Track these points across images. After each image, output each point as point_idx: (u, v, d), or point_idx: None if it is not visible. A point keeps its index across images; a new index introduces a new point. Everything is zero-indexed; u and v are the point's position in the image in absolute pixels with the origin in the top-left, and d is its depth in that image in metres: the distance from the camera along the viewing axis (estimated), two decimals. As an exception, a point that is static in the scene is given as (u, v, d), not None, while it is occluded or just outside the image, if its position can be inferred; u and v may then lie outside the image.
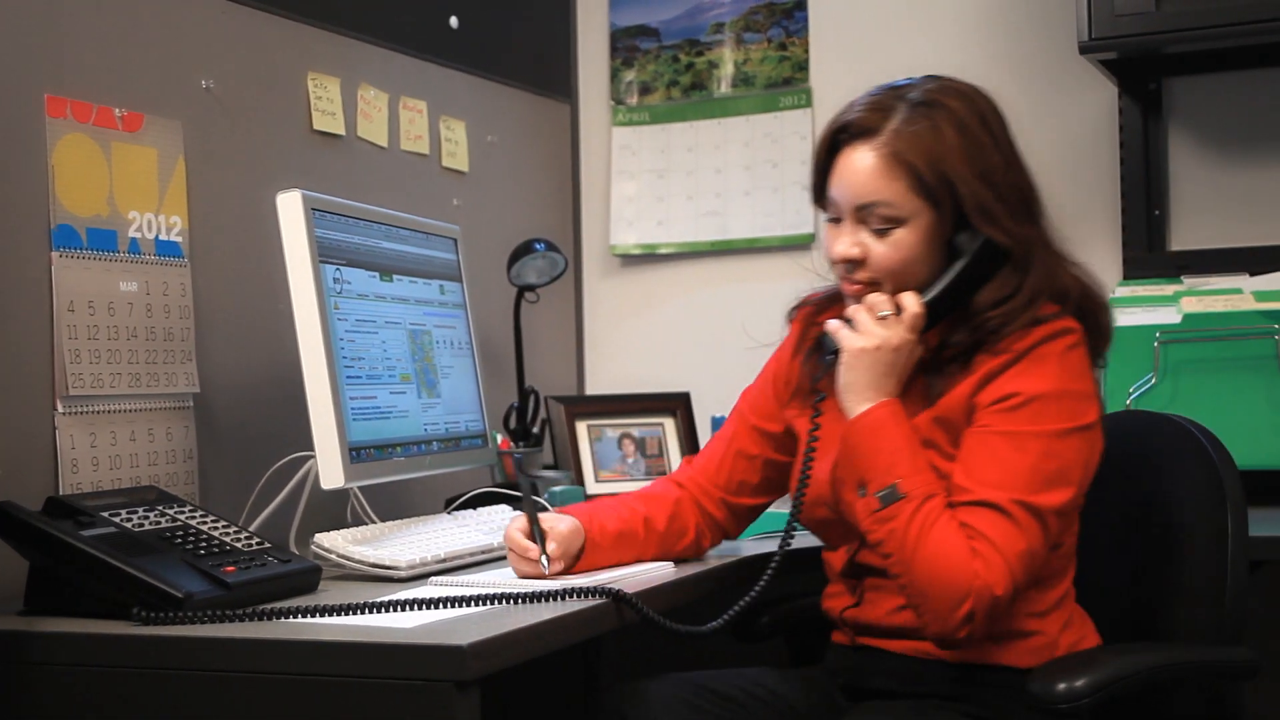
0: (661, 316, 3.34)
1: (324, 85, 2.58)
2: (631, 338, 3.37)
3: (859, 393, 1.83)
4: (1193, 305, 2.67)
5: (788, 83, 3.24)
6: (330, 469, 2.05)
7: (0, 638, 1.69)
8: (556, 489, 2.56)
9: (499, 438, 2.72)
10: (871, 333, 1.83)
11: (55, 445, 2.03)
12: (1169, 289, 2.74)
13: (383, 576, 1.96)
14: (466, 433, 2.40)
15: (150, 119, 2.20)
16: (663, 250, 3.34)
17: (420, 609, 1.71)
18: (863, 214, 1.84)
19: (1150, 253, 2.90)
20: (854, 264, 1.86)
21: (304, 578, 1.89)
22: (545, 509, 2.03)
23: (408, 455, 2.21)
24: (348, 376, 2.10)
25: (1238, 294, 2.67)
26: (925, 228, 1.82)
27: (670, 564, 2.03)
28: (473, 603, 1.72)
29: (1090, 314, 1.87)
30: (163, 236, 2.22)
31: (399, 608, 1.70)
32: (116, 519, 1.84)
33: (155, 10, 2.24)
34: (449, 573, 2.00)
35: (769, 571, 1.91)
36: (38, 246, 2.02)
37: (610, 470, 2.97)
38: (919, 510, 1.75)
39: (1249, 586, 1.90)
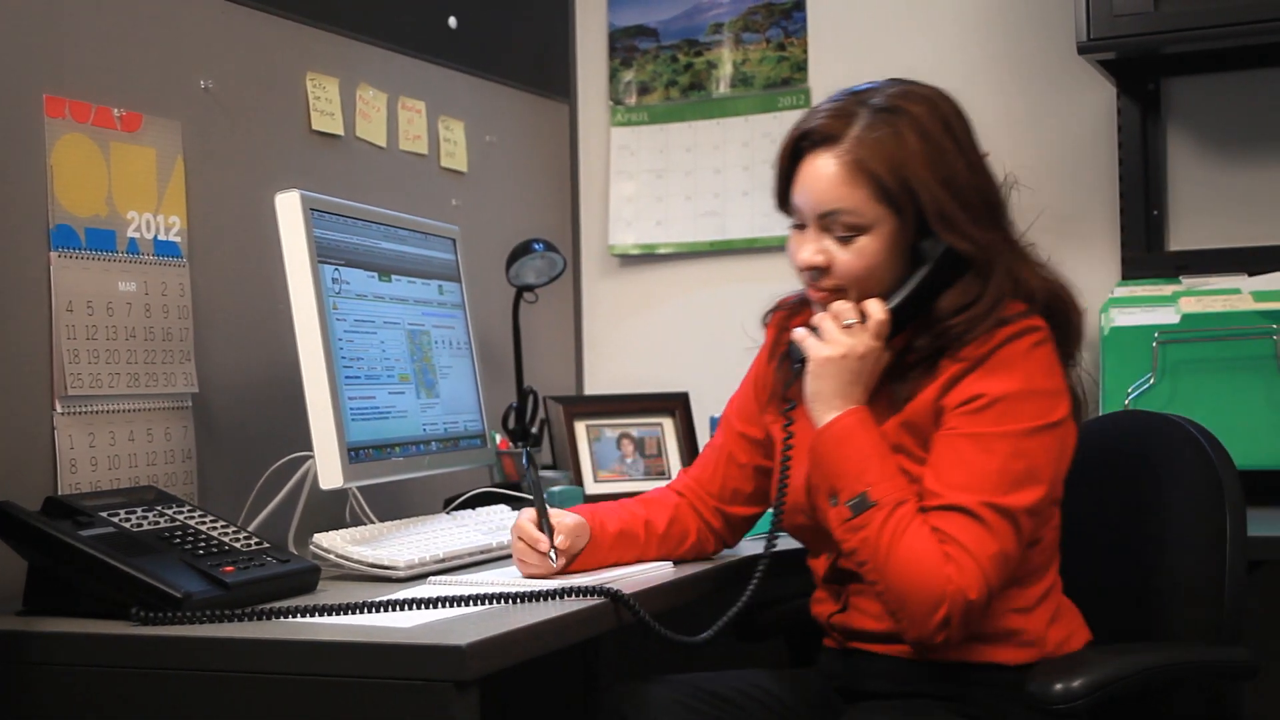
0: (660, 317, 3.34)
1: (323, 85, 2.58)
2: (630, 338, 3.37)
3: (826, 401, 1.83)
4: (1191, 305, 2.67)
5: (786, 83, 3.24)
6: (329, 469, 2.05)
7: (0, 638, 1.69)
8: (555, 489, 2.56)
9: (498, 438, 2.72)
10: (837, 341, 1.83)
11: (54, 445, 2.03)
12: (1168, 289, 2.74)
13: (381, 576, 1.96)
14: (465, 433, 2.40)
15: (149, 119, 2.20)
16: (661, 250, 3.34)
17: (419, 609, 1.71)
18: (826, 221, 1.84)
19: (1149, 253, 2.90)
20: (819, 271, 1.86)
21: (303, 578, 1.89)
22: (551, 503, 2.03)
23: (406, 455, 2.21)
24: (346, 377, 2.10)
25: (1236, 294, 2.67)
26: (888, 234, 1.82)
27: (669, 564, 2.04)
28: (471, 602, 1.72)
29: (1059, 313, 1.87)
30: (161, 236, 2.22)
31: (398, 607, 1.70)
32: (115, 519, 1.84)
33: (154, 10, 2.24)
34: (448, 573, 2.00)
35: (754, 580, 1.91)
36: (36, 246, 2.02)
37: (609, 470, 2.97)
38: (890, 517, 1.75)
39: (1248, 586, 1.90)
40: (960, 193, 1.82)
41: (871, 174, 1.80)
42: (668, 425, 3.04)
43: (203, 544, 1.85)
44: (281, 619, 1.68)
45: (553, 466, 2.94)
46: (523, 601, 1.74)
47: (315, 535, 2.03)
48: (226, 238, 2.34)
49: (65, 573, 1.76)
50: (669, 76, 3.34)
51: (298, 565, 1.90)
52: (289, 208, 2.09)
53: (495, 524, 2.27)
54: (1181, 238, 2.94)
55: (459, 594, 1.74)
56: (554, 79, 3.34)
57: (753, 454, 2.05)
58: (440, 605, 1.72)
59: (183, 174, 2.26)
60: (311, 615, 1.68)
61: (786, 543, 1.96)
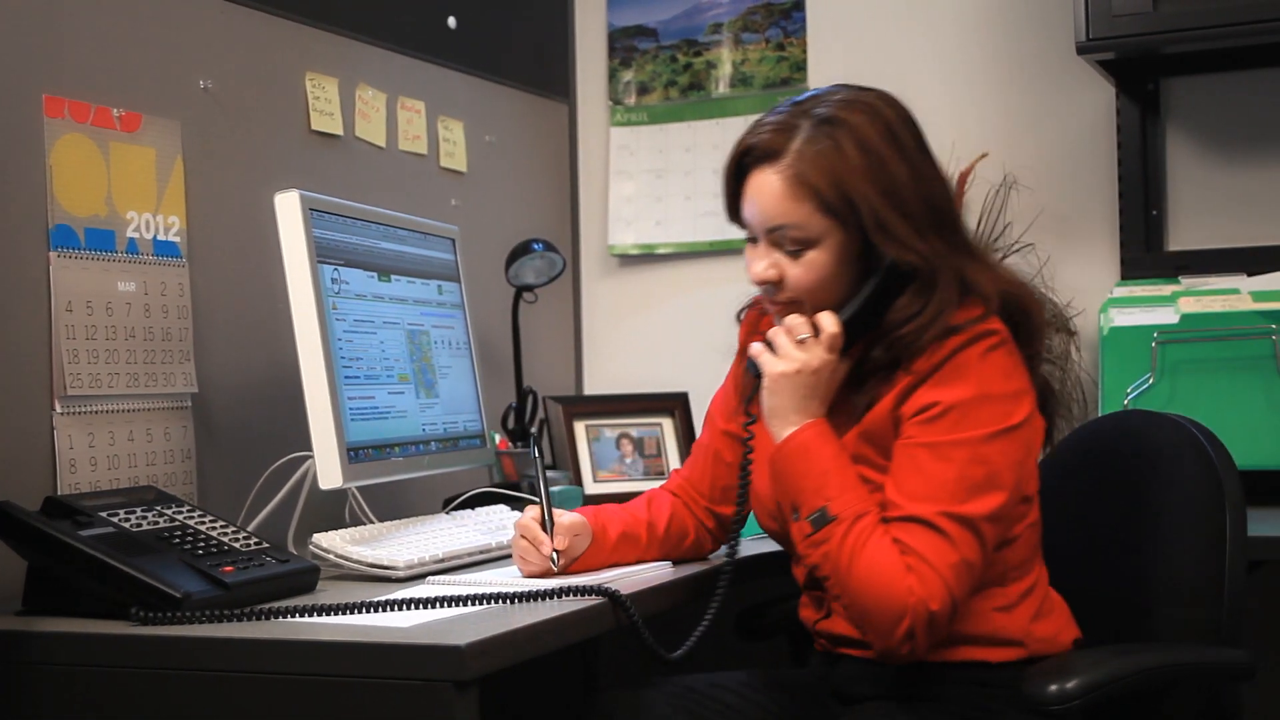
0: (659, 317, 3.34)
1: (322, 85, 2.58)
2: (629, 338, 3.37)
3: (783, 417, 1.83)
4: (1190, 305, 2.67)
5: (786, 83, 3.24)
6: (328, 469, 2.05)
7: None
8: (555, 489, 2.55)
9: (497, 438, 2.72)
10: (791, 357, 1.83)
11: (53, 445, 2.03)
12: (1167, 289, 2.74)
13: (381, 576, 1.96)
14: (464, 433, 2.40)
15: (148, 119, 2.20)
16: (661, 250, 3.34)
17: (418, 609, 1.71)
18: (775, 236, 1.84)
19: (1148, 253, 2.90)
20: (773, 285, 1.86)
21: (302, 578, 1.89)
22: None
23: (406, 455, 2.21)
24: (346, 376, 2.10)
25: (1235, 294, 2.67)
26: (837, 247, 1.82)
27: (669, 564, 2.04)
28: (471, 602, 1.72)
29: (1017, 312, 1.86)
30: (161, 236, 2.22)
31: (397, 607, 1.71)
32: (115, 519, 1.84)
33: (153, 10, 2.24)
34: (447, 573, 2.00)
35: (718, 592, 1.90)
36: (36, 246, 2.02)
37: (608, 470, 2.97)
38: (850, 531, 1.75)
39: (1247, 587, 1.90)
40: (901, 203, 1.80)
41: (813, 188, 1.80)
42: (667, 425, 3.04)
43: (202, 544, 1.85)
44: (281, 619, 1.68)
45: (552, 466, 2.94)
46: (522, 601, 1.74)
47: (314, 535, 2.04)
48: (226, 238, 2.34)
49: (65, 573, 1.76)
50: (668, 76, 3.34)
51: (297, 565, 1.90)
52: (288, 208, 2.09)
53: (495, 524, 2.27)
54: (1181, 238, 2.94)
55: (458, 594, 1.74)
56: (553, 79, 3.34)
57: (736, 452, 2.05)
58: (439, 605, 1.72)
59: (182, 174, 2.26)
60: (311, 615, 1.68)
61: (767, 545, 1.96)
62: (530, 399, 2.84)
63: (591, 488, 2.90)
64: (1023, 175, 3.00)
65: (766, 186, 1.83)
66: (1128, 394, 2.66)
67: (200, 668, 1.59)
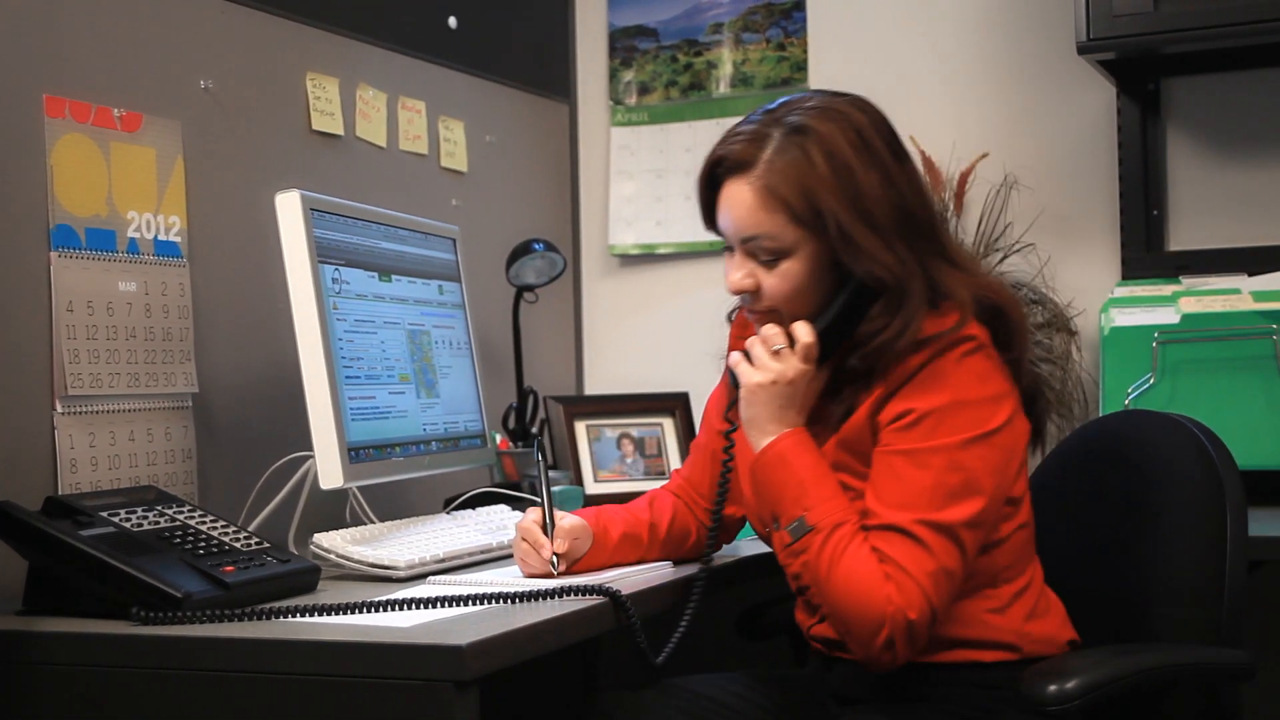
0: (660, 316, 3.34)
1: (323, 85, 2.58)
2: (630, 338, 3.37)
3: (760, 427, 1.83)
4: (1191, 305, 2.67)
5: (786, 83, 3.24)
6: (329, 469, 2.05)
7: (0, 638, 1.69)
8: (556, 489, 2.55)
9: (498, 438, 2.72)
10: (767, 368, 1.83)
11: (54, 445, 2.03)
12: (1167, 289, 2.74)
13: (382, 576, 1.96)
14: (465, 433, 2.40)
15: (149, 119, 2.20)
16: (661, 250, 3.34)
17: (419, 608, 1.71)
18: (749, 247, 1.84)
19: (1149, 253, 2.90)
20: (751, 294, 1.86)
21: (303, 578, 1.89)
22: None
23: (406, 455, 2.21)
24: (346, 376, 2.10)
25: (1236, 294, 2.67)
26: (811, 256, 1.81)
27: (669, 564, 2.04)
28: (471, 602, 1.72)
29: (995, 316, 1.84)
30: (161, 236, 2.22)
31: (398, 607, 1.71)
32: (115, 519, 1.84)
33: (154, 10, 2.24)
34: (448, 572, 2.00)
35: (694, 596, 1.90)
36: (36, 246, 2.02)
37: (609, 470, 2.97)
38: (828, 541, 1.75)
39: (1248, 587, 1.90)
40: (868, 214, 1.78)
41: (783, 200, 1.79)
42: (668, 425, 3.04)
43: (203, 544, 1.85)
44: (281, 619, 1.68)
45: (553, 466, 2.94)
46: (522, 601, 1.74)
47: (315, 535, 2.04)
48: (227, 238, 2.34)
49: (65, 573, 1.76)
50: (669, 76, 3.34)
51: (298, 565, 1.90)
52: (289, 208, 2.09)
53: (495, 524, 2.27)
54: (1181, 238, 2.94)
55: (459, 594, 1.74)
56: (554, 79, 3.35)
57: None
58: (440, 605, 1.72)
59: (183, 174, 2.26)
60: (311, 615, 1.68)
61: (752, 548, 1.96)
62: (531, 399, 2.84)
63: (592, 488, 2.90)
64: (1023, 175, 3.00)
65: (738, 197, 1.83)
66: (1128, 394, 2.66)
67: (201, 668, 1.59)
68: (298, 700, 1.54)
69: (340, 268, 2.15)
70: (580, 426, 2.98)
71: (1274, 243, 2.83)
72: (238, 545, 1.88)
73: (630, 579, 1.92)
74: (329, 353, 2.06)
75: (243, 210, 2.35)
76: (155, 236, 2.21)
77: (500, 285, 2.90)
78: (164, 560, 1.77)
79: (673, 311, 3.33)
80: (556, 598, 1.75)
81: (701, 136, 3.31)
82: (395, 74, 2.78)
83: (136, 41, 2.20)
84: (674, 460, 2.99)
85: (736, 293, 1.87)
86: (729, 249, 1.88)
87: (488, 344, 2.84)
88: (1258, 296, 2.65)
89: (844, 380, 1.85)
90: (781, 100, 1.87)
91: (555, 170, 3.35)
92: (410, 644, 1.53)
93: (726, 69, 3.30)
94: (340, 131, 2.62)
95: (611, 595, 1.76)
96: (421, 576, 1.97)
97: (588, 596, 1.76)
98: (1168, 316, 2.68)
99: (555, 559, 1.89)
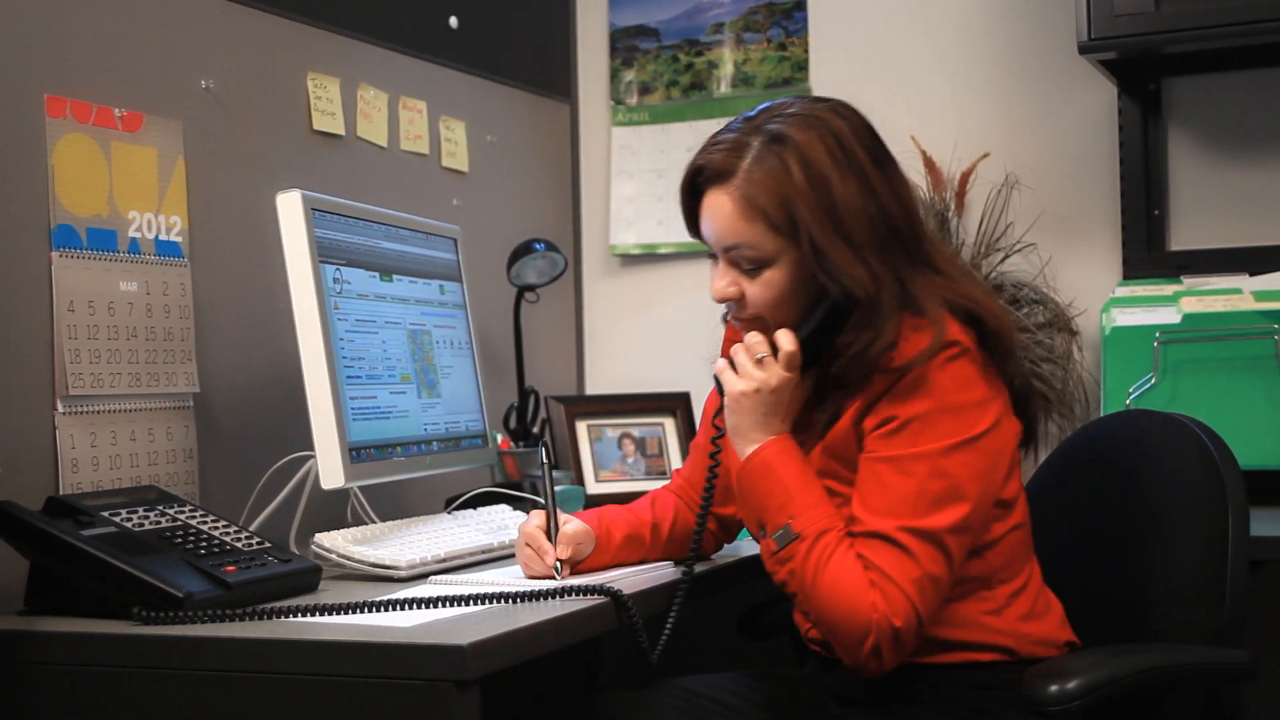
0: (661, 316, 3.34)
1: (324, 85, 2.58)
2: (631, 337, 3.37)
3: (744, 435, 1.84)
4: (1192, 305, 2.67)
5: (787, 83, 3.24)
6: (330, 469, 2.05)
7: (0, 637, 1.69)
8: (557, 489, 2.55)
9: (499, 438, 2.72)
10: (750, 376, 1.83)
11: (55, 445, 2.03)
12: (1169, 289, 2.74)
13: (383, 576, 1.96)
14: (466, 433, 2.40)
15: (150, 119, 2.20)
16: (662, 250, 3.33)
17: (420, 608, 1.71)
18: (731, 255, 1.84)
19: (1150, 253, 2.90)
20: (735, 303, 1.86)
21: (304, 577, 1.89)
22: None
23: (408, 455, 2.21)
24: (348, 376, 2.10)
25: (1237, 294, 2.67)
26: (793, 265, 1.81)
27: (671, 563, 2.04)
28: (473, 602, 1.72)
29: (978, 322, 1.83)
30: (163, 236, 2.22)
31: (399, 607, 1.71)
32: (117, 519, 1.84)
33: (155, 10, 2.24)
34: (449, 572, 2.00)
35: (678, 599, 1.90)
36: (38, 246, 2.03)
37: (610, 470, 2.97)
38: (813, 548, 1.75)
39: (1249, 587, 1.90)
40: (840, 226, 1.78)
41: (761, 209, 1.79)
42: (669, 425, 3.04)
43: (204, 544, 1.85)
44: (283, 619, 1.68)
45: (555, 466, 2.93)
46: (524, 601, 1.74)
47: (316, 535, 2.04)
48: (228, 237, 2.34)
49: (67, 572, 1.76)
50: (670, 76, 3.34)
51: (299, 565, 1.90)
52: (290, 207, 2.09)
53: (497, 524, 2.27)
54: (1182, 237, 2.94)
55: (460, 594, 1.74)
56: (555, 79, 3.35)
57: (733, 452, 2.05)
58: (441, 605, 1.72)
59: (184, 174, 2.26)
60: (313, 615, 1.68)
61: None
62: (532, 399, 2.84)
63: (593, 488, 2.90)
64: (1024, 175, 3.00)
65: (719, 207, 1.83)
66: (1130, 394, 2.66)
67: (202, 668, 1.59)
68: (299, 700, 1.54)
69: (341, 267, 2.15)
70: (581, 426, 2.98)
71: (1275, 242, 2.83)
72: (239, 545, 1.88)
73: (632, 579, 1.92)
74: (330, 352, 2.06)
75: (244, 210, 2.35)
76: (156, 236, 2.21)
77: (501, 285, 2.90)
78: (165, 560, 1.77)
79: (674, 311, 3.33)
80: (558, 598, 1.75)
81: (703, 136, 3.24)
82: (396, 74, 2.78)
83: (138, 41, 2.20)
84: (675, 460, 2.99)
85: (720, 301, 1.88)
86: (713, 257, 1.88)
87: (489, 344, 2.84)
88: (1259, 296, 2.65)
89: (829, 387, 1.85)
90: (762, 106, 1.87)
91: (556, 170, 3.35)
92: (412, 644, 1.53)
93: (727, 69, 3.30)
94: (341, 131, 2.62)
95: (613, 595, 1.76)
96: (423, 576, 1.97)
97: (589, 596, 1.76)
98: (1169, 316, 2.68)
99: (559, 565, 1.89)
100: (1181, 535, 1.92)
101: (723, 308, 2.03)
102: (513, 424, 2.82)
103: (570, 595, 1.76)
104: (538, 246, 2.86)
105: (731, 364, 1.86)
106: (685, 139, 3.32)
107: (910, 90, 3.12)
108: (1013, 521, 1.86)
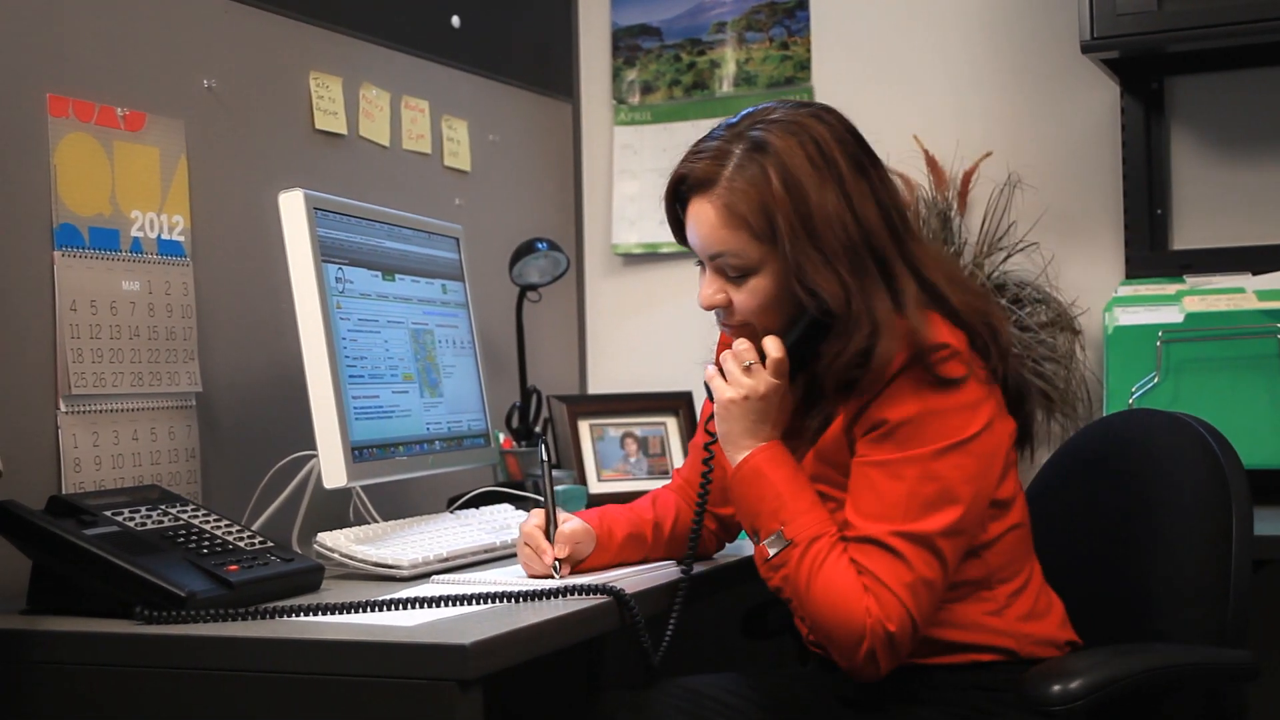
0: (663, 316, 3.34)
1: (326, 85, 2.58)
2: (633, 337, 3.37)
3: (735, 442, 1.84)
4: (1195, 304, 2.67)
5: (790, 82, 3.24)
6: (333, 468, 2.05)
7: (3, 637, 1.69)
8: (559, 488, 2.55)
9: (501, 437, 2.72)
10: (739, 383, 1.83)
11: (58, 444, 2.03)
12: (1171, 288, 2.74)
13: (385, 576, 1.96)
14: (469, 432, 2.40)
15: (152, 118, 2.20)
16: (665, 249, 3.33)
17: (423, 608, 1.71)
18: (717, 263, 1.84)
19: (1152, 252, 2.90)
20: (724, 310, 1.86)
21: (306, 577, 1.89)
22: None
23: (410, 454, 2.21)
24: (350, 376, 2.10)
25: (1240, 293, 2.67)
26: (778, 272, 1.81)
27: (673, 563, 2.03)
28: (475, 601, 1.72)
29: (967, 324, 1.82)
30: (165, 236, 2.22)
31: (401, 606, 1.71)
32: (119, 518, 1.84)
33: (157, 9, 2.24)
34: (451, 572, 2.00)
35: (678, 602, 1.89)
36: (40, 246, 2.03)
37: (613, 470, 2.97)
38: (805, 554, 1.75)
39: (1252, 586, 1.89)
40: (816, 235, 1.77)
41: (743, 217, 1.80)
42: (671, 424, 3.04)
43: (207, 543, 1.85)
44: (285, 618, 1.68)
45: (557, 466, 2.94)
46: (526, 600, 1.74)
47: (319, 534, 2.03)
48: (230, 237, 2.34)
49: (69, 572, 1.76)
50: (672, 75, 3.34)
51: (301, 564, 1.90)
52: (293, 207, 2.09)
53: (499, 523, 2.27)
54: (1185, 237, 2.93)
55: (462, 593, 1.74)
56: (557, 78, 3.35)
57: None
58: (444, 604, 1.72)
59: (186, 173, 2.26)
60: (315, 614, 1.68)
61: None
62: (534, 398, 2.84)
63: (596, 487, 2.90)
64: (1027, 174, 3.00)
65: (702, 216, 1.83)
66: (1132, 393, 2.66)
67: (204, 667, 1.59)
68: (301, 699, 1.54)
69: (344, 267, 2.14)
70: (583, 426, 2.98)
71: (1278, 241, 2.83)
72: (241, 544, 1.88)
73: (634, 578, 1.92)
74: (333, 352, 2.06)
75: (246, 209, 2.35)
76: (159, 236, 2.21)
77: (503, 284, 2.90)
78: (168, 559, 1.77)
79: (676, 310, 3.32)
80: (560, 597, 1.75)
81: (705, 135, 3.30)
82: (398, 73, 2.78)
83: (140, 41, 2.20)
84: (677, 459, 2.99)
85: (708, 308, 1.88)
86: (701, 264, 1.88)
87: (491, 343, 2.84)
88: (1262, 295, 2.65)
89: (819, 392, 1.85)
90: (745, 112, 1.87)
91: (558, 169, 3.35)
92: (414, 643, 1.53)
93: (730, 68, 3.30)
94: (343, 131, 2.62)
95: (615, 594, 1.76)
96: (425, 576, 1.97)
97: (591, 596, 1.76)
98: (1172, 315, 2.68)
99: (557, 564, 1.90)
100: (1185, 535, 1.92)
101: None
102: (515, 423, 2.82)
103: (572, 595, 1.76)
104: (540, 246, 2.86)
105: (721, 371, 1.86)
106: (687, 138, 3.26)
107: (913, 90, 3.12)
108: (1010, 521, 1.85)
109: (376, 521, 2.23)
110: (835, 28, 3.21)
